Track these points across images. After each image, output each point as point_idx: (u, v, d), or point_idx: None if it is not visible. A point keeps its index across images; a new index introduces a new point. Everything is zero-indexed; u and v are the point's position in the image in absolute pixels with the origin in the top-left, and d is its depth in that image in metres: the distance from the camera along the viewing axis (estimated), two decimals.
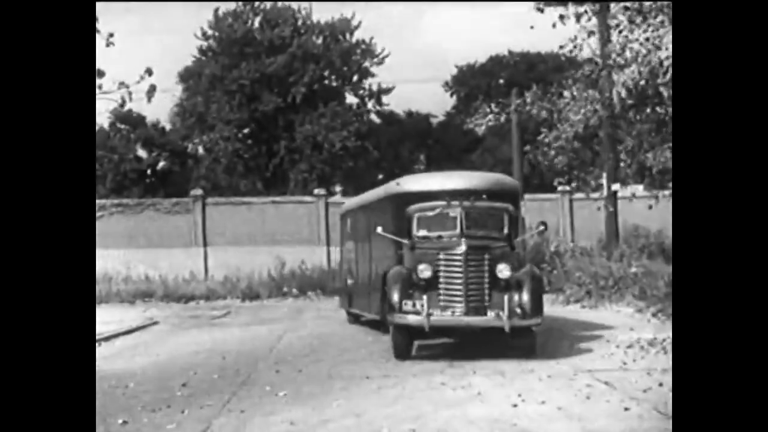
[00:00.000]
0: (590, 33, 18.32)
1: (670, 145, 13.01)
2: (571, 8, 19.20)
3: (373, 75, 41.35)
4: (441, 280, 10.53)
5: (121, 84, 11.81)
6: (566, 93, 21.53)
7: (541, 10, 19.62)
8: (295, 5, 40.68)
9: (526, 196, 24.88)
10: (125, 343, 13.16)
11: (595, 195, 21.59)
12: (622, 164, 19.33)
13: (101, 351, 11.74)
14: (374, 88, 41.67)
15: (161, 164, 42.35)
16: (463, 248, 10.65)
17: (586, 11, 18.83)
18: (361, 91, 41.67)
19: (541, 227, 12.48)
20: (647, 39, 13.21)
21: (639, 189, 19.22)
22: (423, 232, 11.59)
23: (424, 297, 10.17)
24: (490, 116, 46.73)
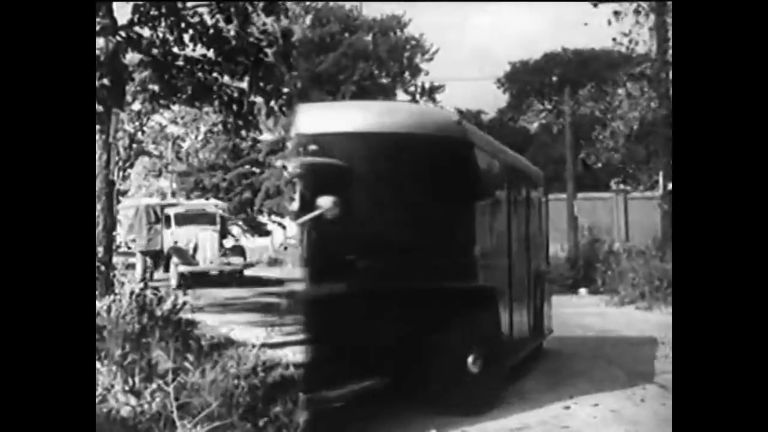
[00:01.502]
0: (650, 29, 17.89)
1: None
2: (627, 5, 18.78)
3: (425, 72, 41.12)
4: None
5: None
6: (620, 90, 21.04)
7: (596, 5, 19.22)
8: (347, 5, 40.77)
9: (579, 195, 24.25)
10: None
11: (651, 194, 20.97)
12: None
13: None
14: (426, 85, 41.50)
15: None
16: None
17: (642, 7, 18.38)
18: (412, 88, 41.47)
19: (320, 209, 6.14)
20: None
21: None
22: None
23: None
24: (543, 114, 46.24)
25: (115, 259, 9.88)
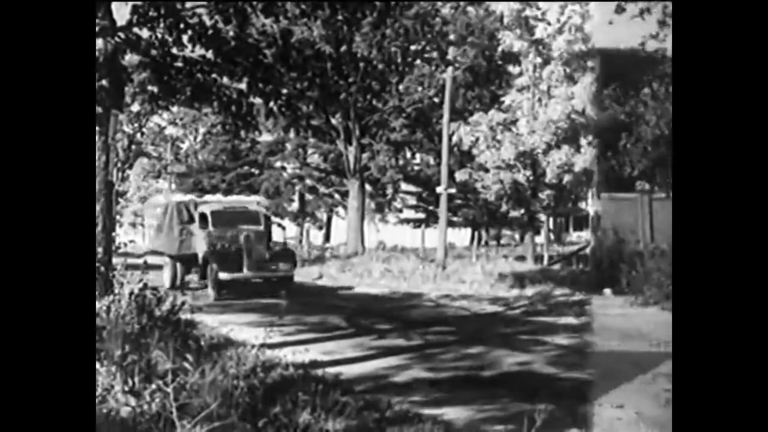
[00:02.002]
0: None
1: None
2: (653, 4, 18.67)
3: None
4: None
5: None
6: (646, 90, 20.89)
7: (623, 10, 19.09)
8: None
9: (603, 195, 24.24)
10: None
11: None
12: None
13: None
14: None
15: None
16: None
17: (667, 7, 18.23)
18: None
19: None
20: None
21: None
22: None
23: None
24: None
25: (114, 260, 9.87)
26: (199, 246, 20.71)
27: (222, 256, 19.52)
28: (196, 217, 21.26)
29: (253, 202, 24.19)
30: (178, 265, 21.63)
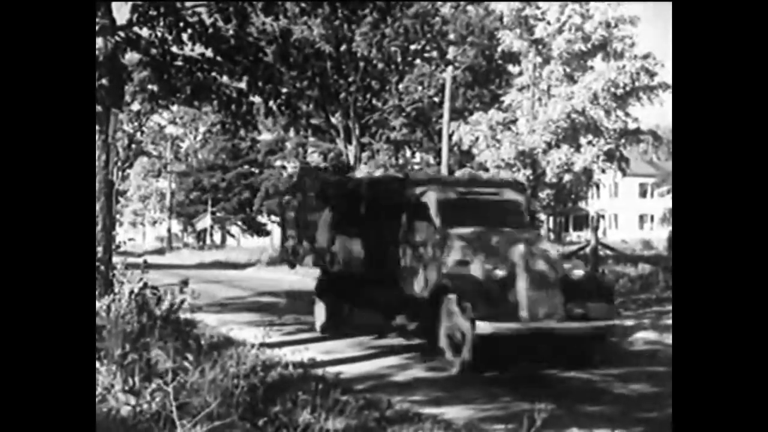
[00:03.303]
0: None
1: None
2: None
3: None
4: None
5: None
6: None
7: None
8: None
9: None
10: None
11: None
12: None
13: None
14: None
15: None
16: None
17: None
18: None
19: None
20: None
21: None
22: None
23: None
24: None
25: (114, 259, 9.87)
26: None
27: (475, 287, 9.65)
28: (408, 209, 11.26)
29: (511, 180, 14.33)
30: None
